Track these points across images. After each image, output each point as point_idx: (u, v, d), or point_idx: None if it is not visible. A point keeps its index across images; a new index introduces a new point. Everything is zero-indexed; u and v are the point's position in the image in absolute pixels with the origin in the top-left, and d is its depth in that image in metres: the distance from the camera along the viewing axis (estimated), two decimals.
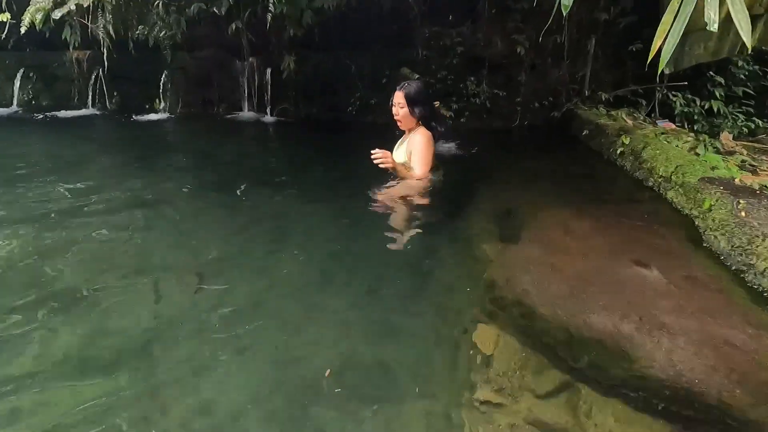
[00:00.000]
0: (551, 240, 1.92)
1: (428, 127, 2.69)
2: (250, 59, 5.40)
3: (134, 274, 1.86)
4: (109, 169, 3.36)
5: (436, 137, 2.74)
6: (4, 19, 4.50)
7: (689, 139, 3.09)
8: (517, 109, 4.77)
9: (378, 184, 2.66)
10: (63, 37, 5.47)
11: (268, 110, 5.41)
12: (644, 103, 4.33)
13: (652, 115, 4.25)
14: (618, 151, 2.92)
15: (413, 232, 2.22)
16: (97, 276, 1.83)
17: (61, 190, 2.77)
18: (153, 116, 5.73)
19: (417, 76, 4.52)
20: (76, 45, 5.49)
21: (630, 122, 3.79)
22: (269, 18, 4.47)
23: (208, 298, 1.72)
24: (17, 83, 6.32)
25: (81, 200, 2.60)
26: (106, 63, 5.68)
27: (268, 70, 5.21)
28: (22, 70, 6.38)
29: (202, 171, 3.33)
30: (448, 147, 3.84)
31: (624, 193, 2.56)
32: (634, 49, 4.20)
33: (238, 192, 2.75)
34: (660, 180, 2.39)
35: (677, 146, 2.60)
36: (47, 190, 2.76)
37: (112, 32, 4.49)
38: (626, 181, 2.71)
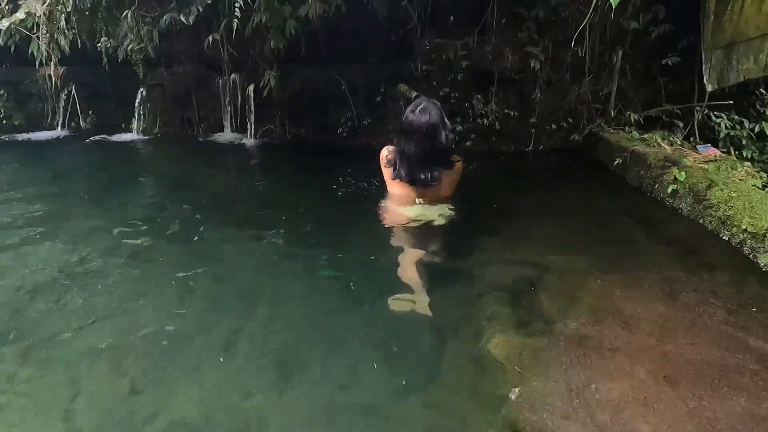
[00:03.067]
0: (603, 343, 1.28)
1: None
2: (232, 76, 4.87)
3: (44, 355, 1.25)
4: (56, 200, 2.78)
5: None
6: None
7: (749, 170, 2.46)
8: (531, 131, 4.16)
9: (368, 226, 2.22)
10: (30, 52, 5.00)
11: (250, 131, 4.85)
12: (681, 125, 3.70)
13: (691, 139, 3.61)
14: (669, 189, 2.28)
15: (405, 304, 1.59)
16: None
17: None
18: (128, 137, 5.21)
19: (416, 93, 3.93)
20: (46, 60, 5.01)
21: (668, 148, 3.16)
22: (248, 29, 3.93)
23: (142, 405, 1.11)
24: None
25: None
26: (54, 80, 5.18)
27: (250, 87, 4.67)
28: None
29: (164, 207, 2.73)
30: None
31: (690, 251, 1.90)
32: (670, 63, 3.59)
33: (195, 238, 2.14)
34: (745, 237, 1.74)
35: (754, 186, 1.95)
36: None
37: (65, 44, 3.97)
38: (687, 230, 2.07)
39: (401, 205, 2.35)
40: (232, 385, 1.23)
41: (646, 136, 3.41)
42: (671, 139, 3.47)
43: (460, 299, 1.62)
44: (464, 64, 4.04)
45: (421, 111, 2.16)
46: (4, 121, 6.12)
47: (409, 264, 1.83)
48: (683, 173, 2.24)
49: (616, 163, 3.00)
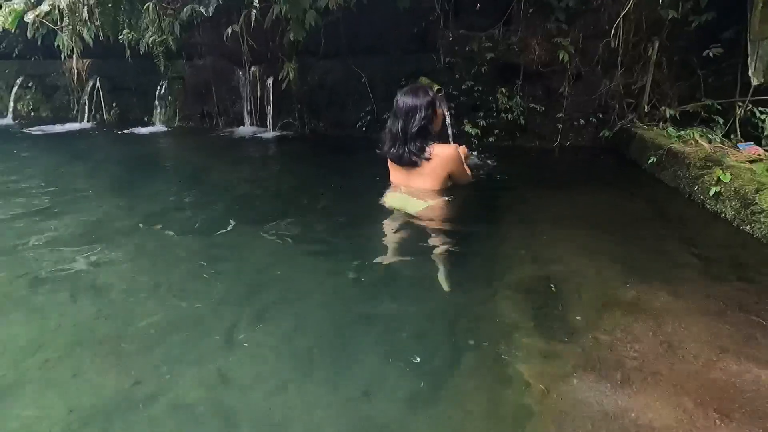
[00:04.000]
0: (643, 364, 1.16)
1: None
2: (252, 68, 4.83)
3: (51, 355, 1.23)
4: (70, 193, 2.79)
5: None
6: None
7: None
8: (557, 127, 3.98)
9: (386, 223, 2.17)
10: (56, 45, 5.07)
11: (269, 124, 4.81)
12: (721, 121, 3.47)
13: (732, 136, 3.38)
14: (711, 192, 2.11)
15: (425, 307, 1.51)
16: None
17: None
18: (149, 130, 5.25)
19: (437, 86, 3.81)
20: (70, 53, 5.07)
21: (706, 145, 2.95)
22: (267, 20, 3.87)
23: (145, 390, 1.07)
24: (14, 93, 5.99)
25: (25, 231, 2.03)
26: (78, 73, 5.24)
27: (270, 80, 4.62)
28: (20, 79, 6.07)
29: (181, 199, 2.70)
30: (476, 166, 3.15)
31: (736, 261, 1.73)
32: (711, 55, 3.36)
33: (212, 231, 2.10)
34: None
35: None
36: None
37: (87, 37, 3.99)
38: (731, 237, 1.91)
39: (390, 191, 2.44)
40: (239, 377, 1.17)
41: (682, 132, 3.21)
42: (710, 136, 3.25)
43: (477, 302, 1.52)
44: (489, 57, 3.88)
45: (409, 91, 2.29)
46: (33, 113, 6.27)
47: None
48: (728, 174, 2.06)
49: (650, 161, 2.82)
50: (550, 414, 1.03)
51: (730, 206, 2.01)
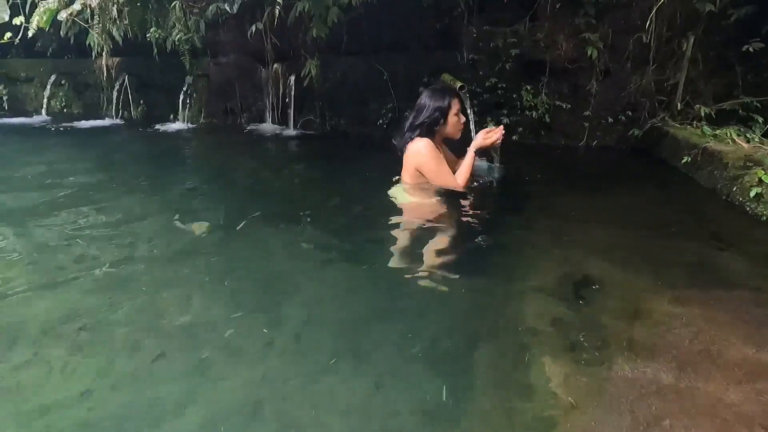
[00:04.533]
0: (679, 379, 1.09)
1: None
2: (275, 66, 4.87)
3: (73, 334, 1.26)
4: (100, 184, 2.87)
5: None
6: (18, 23, 4.23)
7: None
8: (584, 125, 3.87)
9: (404, 218, 2.19)
10: (87, 44, 5.22)
11: (291, 122, 4.84)
12: (760, 120, 3.29)
13: None
14: (752, 193, 2.00)
15: (443, 304, 1.47)
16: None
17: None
18: (174, 126, 5.36)
19: (460, 83, 3.75)
20: (100, 51, 5.22)
21: (744, 145, 2.81)
22: (291, 17, 3.88)
23: (168, 391, 1.08)
24: (47, 90, 6.20)
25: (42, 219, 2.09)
26: (108, 71, 5.37)
27: (292, 78, 4.64)
28: (53, 77, 6.28)
29: (203, 195, 2.75)
30: (496, 168, 3.05)
31: None
32: (750, 50, 3.19)
33: (232, 227, 2.12)
34: None
35: None
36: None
37: (117, 35, 4.08)
38: None
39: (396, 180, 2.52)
40: (258, 377, 1.16)
41: (718, 131, 3.06)
42: (748, 135, 3.09)
43: (498, 305, 1.47)
44: (513, 53, 3.79)
45: (430, 90, 2.40)
46: (65, 110, 6.48)
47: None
48: None
49: (684, 161, 2.70)
50: (576, 429, 0.98)
51: None
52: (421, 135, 2.32)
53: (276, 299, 1.53)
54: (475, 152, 2.37)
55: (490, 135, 2.36)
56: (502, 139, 2.42)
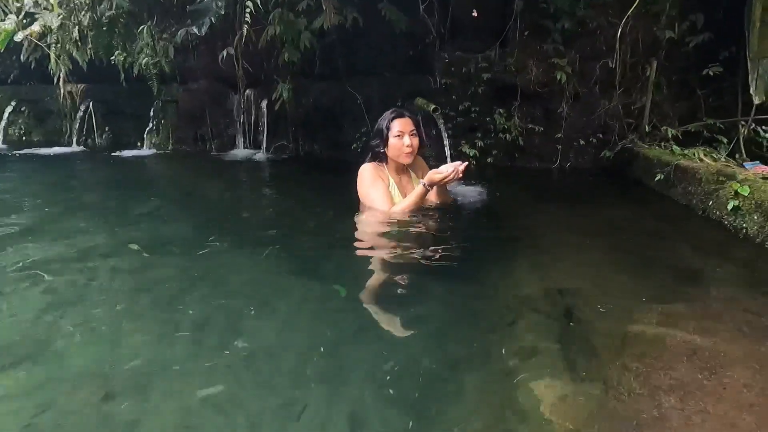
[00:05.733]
0: (685, 403, 0.98)
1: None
2: (246, 91, 4.78)
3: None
4: (59, 210, 2.62)
5: None
6: None
7: None
8: (557, 148, 3.90)
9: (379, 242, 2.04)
10: (48, 69, 5.04)
11: (263, 147, 4.72)
12: (725, 140, 3.39)
13: (737, 155, 3.29)
14: (729, 206, 1.98)
15: (420, 326, 1.32)
16: None
17: None
18: (141, 152, 5.15)
19: (434, 106, 3.74)
20: (61, 76, 5.04)
21: (712, 164, 2.85)
22: (262, 41, 3.83)
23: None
24: (4, 119, 5.91)
25: None
26: (72, 97, 5.18)
27: (264, 102, 4.56)
28: (12, 104, 6.01)
29: (169, 220, 2.53)
30: (471, 190, 2.98)
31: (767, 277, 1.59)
32: (711, 73, 3.32)
33: (199, 253, 1.91)
34: None
35: None
36: None
37: (80, 59, 3.93)
38: (756, 253, 1.76)
39: None
40: (230, 411, 0.97)
41: (686, 151, 3.11)
42: (714, 155, 3.16)
43: (481, 324, 1.34)
44: (485, 77, 3.83)
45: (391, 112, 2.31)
46: (24, 138, 6.17)
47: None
48: (746, 187, 1.93)
49: (657, 179, 2.70)
50: None
51: (752, 221, 1.87)
52: (370, 160, 2.30)
53: (242, 324, 1.35)
54: (426, 187, 2.15)
55: (441, 173, 2.10)
56: (461, 173, 2.14)
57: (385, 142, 2.20)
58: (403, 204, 2.19)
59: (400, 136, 2.19)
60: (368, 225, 2.19)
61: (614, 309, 1.40)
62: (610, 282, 1.60)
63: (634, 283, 1.57)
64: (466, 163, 2.13)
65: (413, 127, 2.24)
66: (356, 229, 2.17)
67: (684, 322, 1.29)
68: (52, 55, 3.88)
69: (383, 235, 2.08)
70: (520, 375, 1.10)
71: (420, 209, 2.22)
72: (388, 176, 2.29)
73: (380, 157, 2.27)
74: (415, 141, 2.22)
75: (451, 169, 2.08)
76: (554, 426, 0.93)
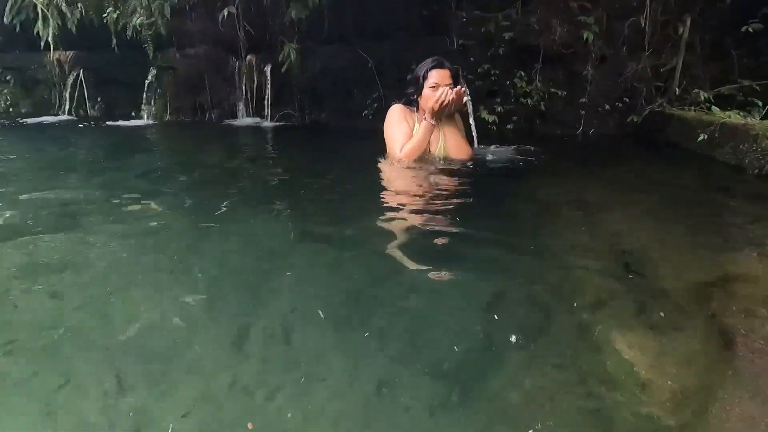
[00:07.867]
0: None
1: None
2: (248, 57, 4.51)
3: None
4: (53, 181, 2.39)
5: None
6: None
7: None
8: (580, 113, 3.70)
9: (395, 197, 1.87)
10: (35, 32, 4.72)
11: (267, 115, 4.47)
12: (760, 104, 3.21)
13: None
14: None
15: (461, 291, 1.15)
16: None
17: None
18: (137, 122, 4.88)
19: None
20: (48, 40, 4.72)
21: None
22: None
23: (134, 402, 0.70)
24: None
25: None
26: (61, 65, 4.87)
27: (268, 67, 4.30)
28: None
29: (168, 190, 2.32)
30: (502, 151, 2.82)
31: None
32: (750, 30, 3.11)
33: (203, 222, 1.71)
34: None
35: None
36: None
37: (70, 23, 3.63)
38: None
39: None
40: (240, 383, 0.81)
41: (722, 114, 2.94)
42: (749, 119, 2.99)
43: (533, 283, 1.17)
44: (506, 38, 3.60)
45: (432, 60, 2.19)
46: (11, 109, 5.85)
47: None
48: None
49: (700, 139, 2.53)
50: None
51: None
52: (404, 103, 2.26)
53: (256, 291, 1.18)
54: (431, 122, 2.11)
55: (435, 98, 2.04)
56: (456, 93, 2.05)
57: (419, 90, 2.04)
58: (410, 145, 2.12)
59: (435, 87, 2.06)
60: (391, 176, 2.11)
61: (684, 261, 1.25)
62: (670, 239, 1.45)
63: (698, 240, 1.42)
64: (465, 86, 2.14)
65: (451, 81, 2.11)
66: (381, 179, 2.07)
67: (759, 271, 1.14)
68: (40, 14, 3.57)
69: (411, 186, 1.93)
70: (598, 334, 0.94)
71: (445, 165, 2.07)
72: (415, 121, 2.19)
73: (412, 104, 2.19)
74: (450, 93, 2.04)
75: (440, 92, 2.03)
76: (654, 388, 0.78)
